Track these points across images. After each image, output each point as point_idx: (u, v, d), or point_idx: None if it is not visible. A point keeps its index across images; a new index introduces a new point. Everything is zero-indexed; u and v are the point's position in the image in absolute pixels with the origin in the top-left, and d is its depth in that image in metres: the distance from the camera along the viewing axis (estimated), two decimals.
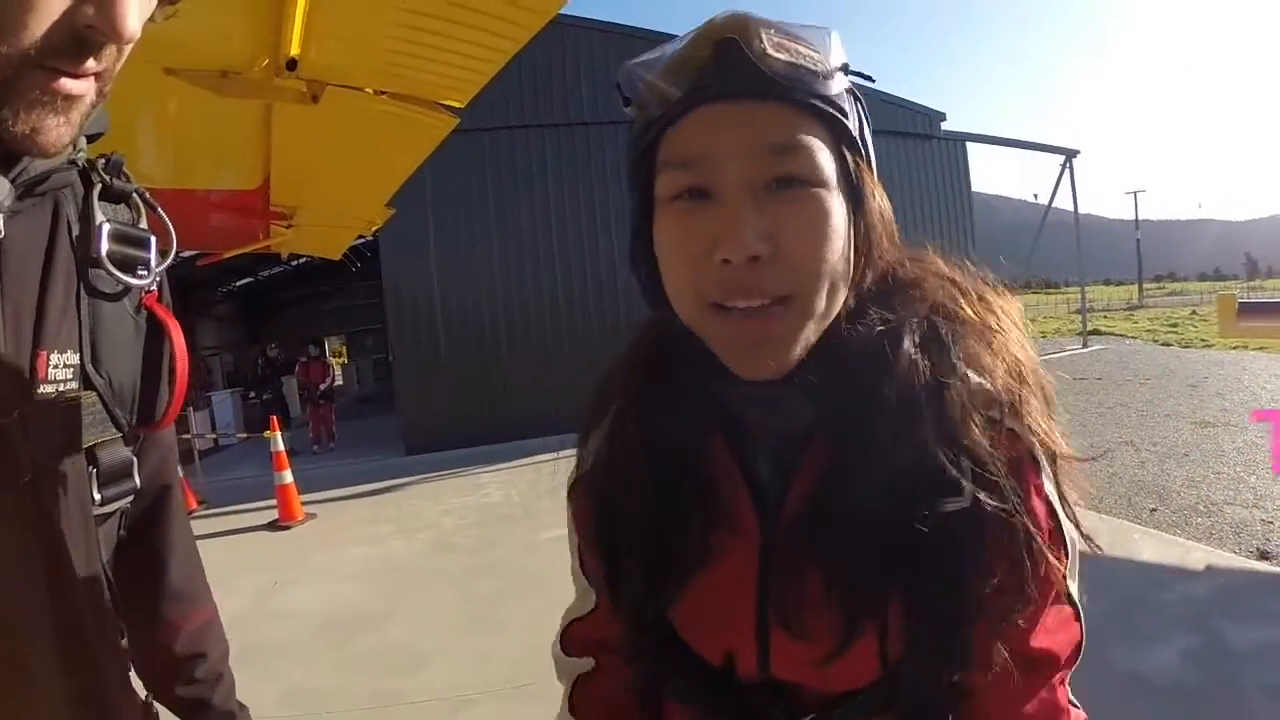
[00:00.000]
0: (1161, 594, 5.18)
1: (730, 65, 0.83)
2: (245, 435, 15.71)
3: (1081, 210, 23.18)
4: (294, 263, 19.14)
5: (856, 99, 0.93)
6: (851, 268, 0.90)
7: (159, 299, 1.28)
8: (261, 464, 10.90)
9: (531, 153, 15.98)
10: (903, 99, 19.72)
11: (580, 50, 16.14)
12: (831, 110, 0.87)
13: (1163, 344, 24.60)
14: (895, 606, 0.88)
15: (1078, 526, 0.95)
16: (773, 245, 0.81)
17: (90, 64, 0.87)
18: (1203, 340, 24.62)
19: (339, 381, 18.37)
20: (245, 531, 9.64)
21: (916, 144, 19.62)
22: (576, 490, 1.16)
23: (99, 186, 1.15)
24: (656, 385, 1.04)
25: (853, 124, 0.90)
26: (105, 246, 1.09)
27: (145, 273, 1.17)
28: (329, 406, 17.50)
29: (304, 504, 10.17)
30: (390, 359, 18.11)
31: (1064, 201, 24.11)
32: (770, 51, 0.83)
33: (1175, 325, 33.24)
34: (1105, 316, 45.38)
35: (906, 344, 0.89)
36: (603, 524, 1.09)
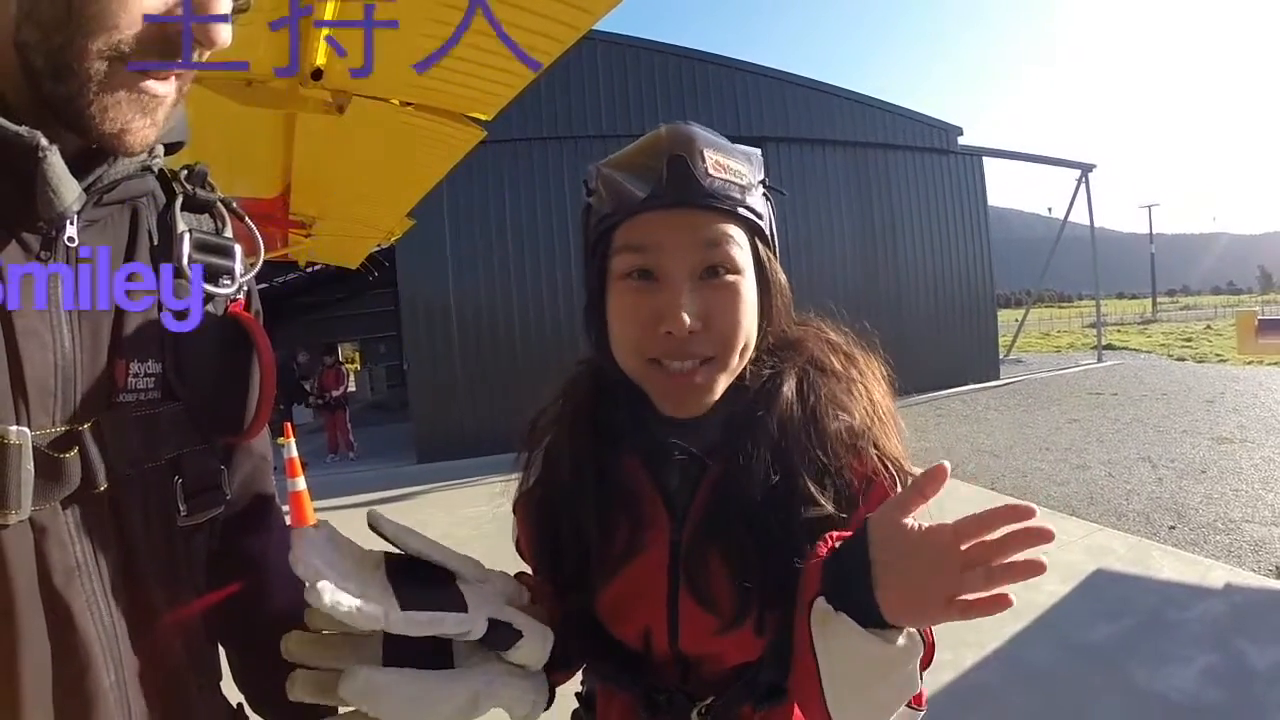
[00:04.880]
0: (1181, 613, 5.12)
1: (678, 180, 1.08)
2: None
3: (1095, 224, 23.09)
4: (310, 269, 19.20)
5: (769, 200, 1.22)
6: (758, 332, 1.18)
7: (247, 307, 1.28)
8: (274, 469, 10.84)
9: (550, 165, 15.96)
10: (920, 114, 19.67)
11: (601, 64, 16.20)
12: (751, 215, 1.14)
13: (1177, 359, 24.44)
14: (773, 589, 1.12)
15: None
16: (703, 321, 1.08)
17: (177, 66, 0.88)
18: (1217, 355, 24.47)
19: (352, 388, 18.35)
20: None
21: (933, 158, 19.59)
22: (520, 505, 1.42)
23: (181, 196, 1.15)
24: (590, 416, 1.30)
25: (766, 224, 1.19)
26: (186, 256, 1.09)
27: (229, 282, 1.17)
28: (343, 414, 17.41)
29: (316, 510, 10.11)
30: (404, 366, 18.06)
31: (1079, 215, 24.07)
32: (710, 171, 1.09)
33: (1189, 340, 33.01)
34: (1119, 331, 45.08)
35: (786, 387, 1.19)
36: (541, 533, 1.33)
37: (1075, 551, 6.43)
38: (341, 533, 1.08)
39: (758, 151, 1.20)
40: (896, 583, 0.91)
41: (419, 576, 1.06)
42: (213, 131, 3.25)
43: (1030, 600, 5.38)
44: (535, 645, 1.11)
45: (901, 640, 0.93)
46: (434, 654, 1.05)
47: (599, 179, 1.18)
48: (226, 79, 2.65)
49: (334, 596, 0.92)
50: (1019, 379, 20.23)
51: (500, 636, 1.07)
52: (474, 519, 9.44)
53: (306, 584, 0.92)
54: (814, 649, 0.97)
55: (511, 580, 1.22)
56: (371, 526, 1.06)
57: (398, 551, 1.08)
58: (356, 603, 0.94)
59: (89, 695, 0.94)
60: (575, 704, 1.51)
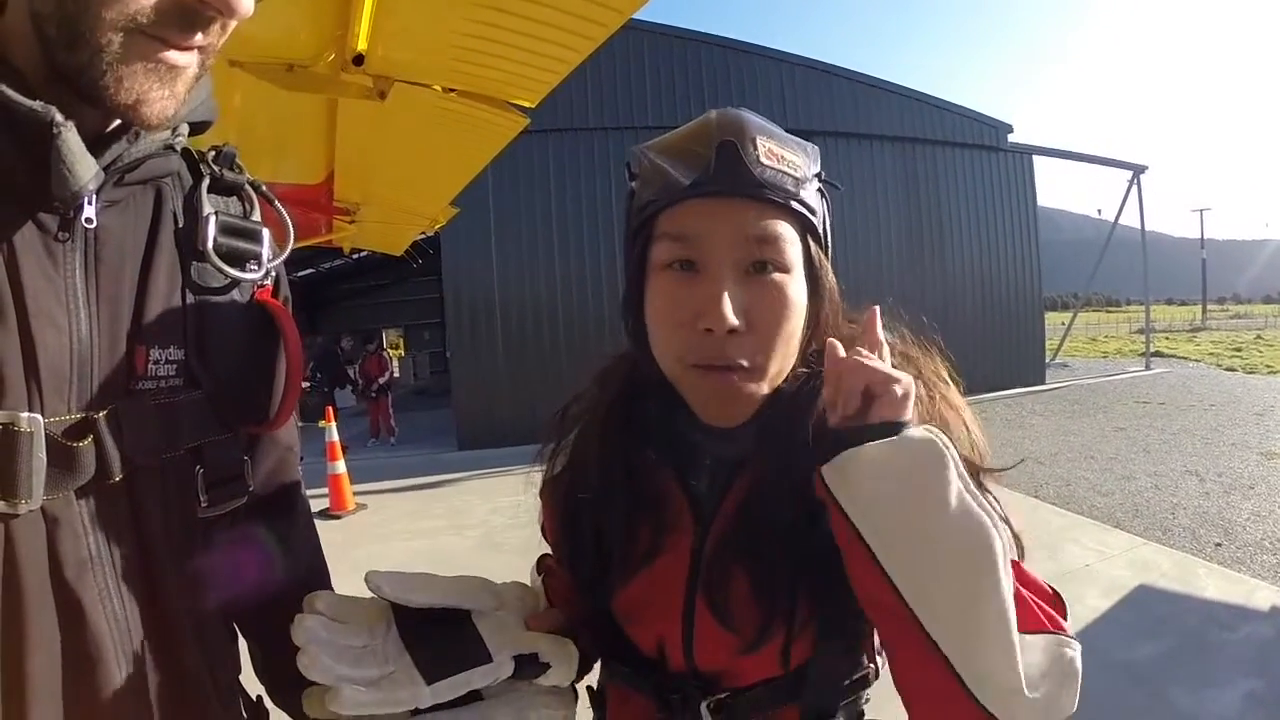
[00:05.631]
0: (1225, 634, 4.99)
1: (728, 167, 1.00)
2: (300, 424, 15.76)
3: (1146, 227, 22.79)
4: (355, 256, 19.43)
5: (824, 196, 1.13)
6: (803, 337, 1.10)
7: (275, 294, 1.25)
8: (314, 452, 10.99)
9: (596, 156, 15.99)
10: (970, 110, 19.47)
11: (646, 54, 16.19)
12: (804, 211, 1.06)
13: (1226, 369, 24.04)
14: (803, 613, 1.07)
15: (1008, 520, 1.02)
16: (745, 321, 1.00)
17: (198, 37, 0.85)
18: (1268, 366, 24.06)
19: (396, 374, 18.71)
20: None
21: (982, 155, 19.37)
22: (546, 491, 1.37)
23: (208, 178, 1.12)
24: (622, 411, 1.24)
25: (819, 221, 1.10)
26: (211, 239, 1.07)
27: (256, 267, 1.15)
28: (385, 400, 17.56)
29: (355, 494, 10.27)
30: (447, 353, 18.16)
31: (1128, 218, 23.78)
32: (762, 159, 1.01)
33: (1239, 349, 32.50)
34: (1167, 338, 44.46)
35: (825, 391, 1.05)
36: (564, 524, 1.29)
37: (1119, 565, 6.31)
38: (336, 595, 1.06)
39: (814, 145, 1.12)
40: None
41: (433, 626, 1.03)
42: (258, 117, 3.25)
43: (1072, 614, 5.23)
44: (562, 669, 1.10)
45: (912, 432, 0.91)
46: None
47: (643, 163, 1.11)
48: (267, 64, 2.64)
49: (355, 698, 0.93)
50: (1065, 384, 20.03)
51: (529, 669, 1.06)
52: (511, 507, 9.46)
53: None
54: (844, 511, 0.92)
55: (527, 591, 1.20)
56: (373, 591, 1.02)
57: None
58: (381, 695, 0.95)
59: (99, 691, 0.92)
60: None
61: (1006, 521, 1.00)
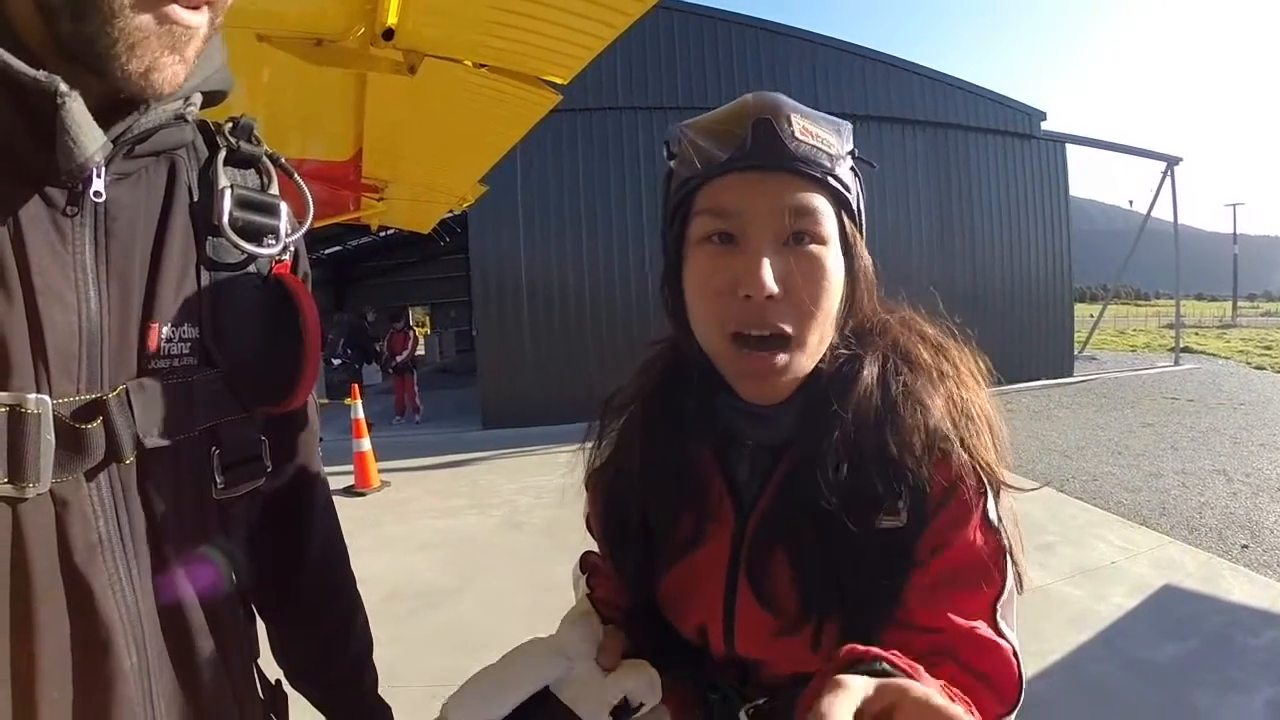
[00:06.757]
0: (1249, 638, 4.91)
1: (764, 142, 1.04)
2: (326, 401, 15.86)
3: (1178, 220, 22.52)
4: (382, 233, 19.49)
5: (858, 175, 1.15)
6: (838, 312, 1.11)
7: (293, 269, 1.22)
8: (340, 428, 11.06)
9: (625, 135, 15.95)
10: (1003, 96, 19.29)
11: (677, 34, 16.11)
12: (839, 186, 1.09)
13: (1256, 367, 23.66)
14: (837, 595, 1.05)
15: (1011, 551, 1.06)
16: (783, 289, 1.02)
17: None
18: None
19: (421, 351, 18.80)
20: None
21: (1015, 143, 19.17)
22: (590, 482, 1.38)
23: (224, 150, 1.10)
24: (664, 401, 1.25)
25: (853, 198, 1.12)
26: (227, 213, 1.04)
27: (274, 241, 1.12)
28: (411, 377, 17.63)
29: (379, 471, 10.33)
30: (473, 332, 18.23)
31: (1161, 210, 23.49)
32: (797, 135, 1.05)
33: (1270, 348, 32.00)
34: (1196, 334, 43.75)
35: (865, 375, 1.10)
36: (609, 513, 1.31)
37: (1144, 564, 6.25)
38: None
39: (848, 124, 1.14)
40: None
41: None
42: (287, 92, 3.24)
43: (1095, 611, 5.28)
44: (651, 697, 1.10)
45: None
46: None
47: (682, 141, 1.13)
48: (296, 38, 2.61)
49: None
50: (1093, 377, 19.84)
51: (624, 714, 1.06)
52: (536, 488, 9.56)
53: None
54: None
55: (584, 626, 1.17)
56: None
57: None
58: None
59: (108, 678, 0.90)
60: None
61: (1011, 555, 1.06)
